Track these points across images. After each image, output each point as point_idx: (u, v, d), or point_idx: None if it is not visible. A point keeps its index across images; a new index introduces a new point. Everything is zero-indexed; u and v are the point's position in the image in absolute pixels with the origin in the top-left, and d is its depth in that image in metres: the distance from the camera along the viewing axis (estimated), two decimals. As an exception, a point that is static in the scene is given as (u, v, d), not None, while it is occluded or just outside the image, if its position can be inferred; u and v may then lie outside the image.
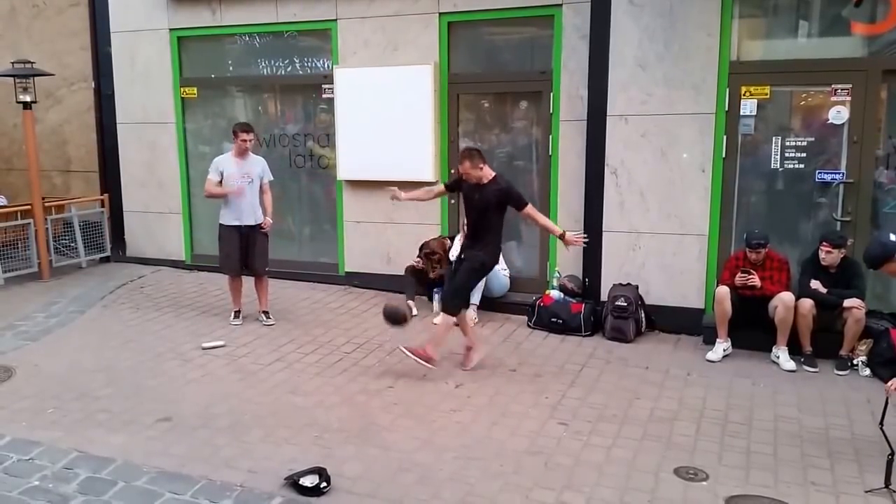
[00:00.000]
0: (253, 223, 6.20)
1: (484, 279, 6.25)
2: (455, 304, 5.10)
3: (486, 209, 4.98)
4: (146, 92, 8.10)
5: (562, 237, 4.99)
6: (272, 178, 6.42)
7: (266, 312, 6.37)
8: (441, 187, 5.46)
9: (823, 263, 5.24)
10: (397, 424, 4.31)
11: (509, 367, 5.29)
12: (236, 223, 6.14)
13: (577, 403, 4.62)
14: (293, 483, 3.55)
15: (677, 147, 5.86)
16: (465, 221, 5.35)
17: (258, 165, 6.26)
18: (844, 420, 4.39)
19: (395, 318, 5.15)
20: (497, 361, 5.38)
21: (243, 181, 6.11)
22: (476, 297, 6.28)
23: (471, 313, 6.24)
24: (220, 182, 6.10)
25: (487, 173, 4.98)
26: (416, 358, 5.00)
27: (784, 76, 5.74)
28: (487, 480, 3.66)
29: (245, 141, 6.09)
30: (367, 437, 4.14)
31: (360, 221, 7.38)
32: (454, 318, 5.11)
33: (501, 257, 6.60)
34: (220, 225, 6.20)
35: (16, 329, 6.12)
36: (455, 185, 5.29)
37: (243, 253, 6.19)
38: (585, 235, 5.20)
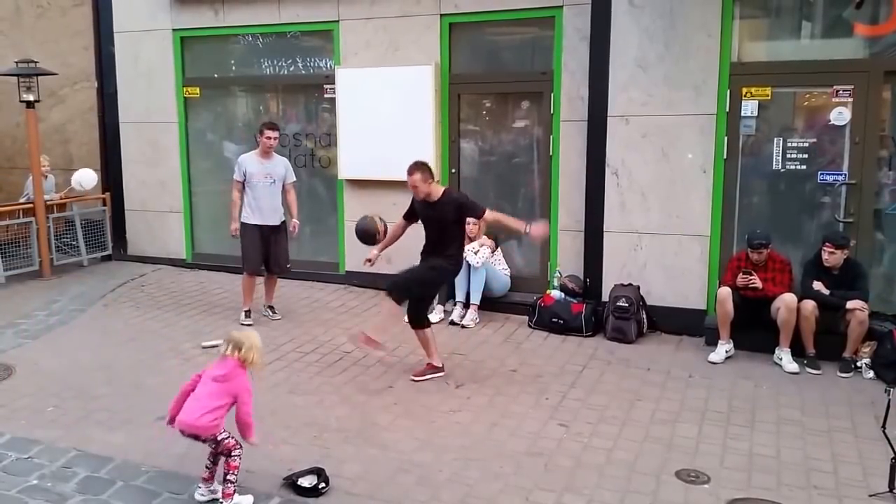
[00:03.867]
0: (274, 223, 6.23)
1: (482, 280, 6.28)
2: (399, 293, 4.79)
3: (444, 226, 4.82)
4: (149, 91, 8.11)
5: (526, 233, 4.77)
6: (295, 179, 6.43)
7: (272, 307, 6.43)
8: (402, 222, 5.09)
9: (826, 264, 5.22)
10: (397, 425, 4.29)
11: (510, 367, 5.27)
12: (256, 222, 6.16)
13: (577, 404, 4.60)
14: (292, 483, 3.54)
15: (678, 148, 5.84)
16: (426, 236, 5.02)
17: (281, 166, 6.28)
18: (847, 422, 4.36)
19: (367, 234, 4.95)
20: (497, 362, 5.36)
21: (265, 181, 6.13)
22: (476, 298, 6.26)
23: (471, 314, 6.25)
24: (244, 183, 6.11)
25: (436, 190, 4.84)
26: (421, 376, 4.91)
27: (785, 77, 5.72)
28: (487, 481, 3.64)
29: (270, 138, 6.10)
30: (366, 437, 4.12)
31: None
32: (399, 306, 4.86)
33: (502, 257, 6.62)
34: (242, 224, 6.21)
35: (16, 327, 6.12)
36: (411, 212, 5.03)
37: (265, 252, 6.22)
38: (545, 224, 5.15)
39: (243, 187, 6.16)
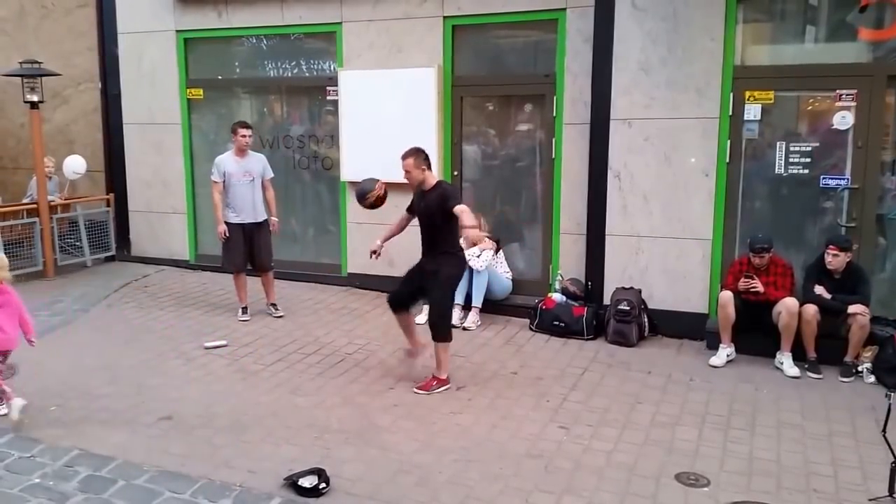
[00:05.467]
0: (255, 220, 6.30)
1: (484, 283, 6.28)
2: (446, 328, 4.79)
3: (431, 216, 4.69)
4: (152, 93, 8.14)
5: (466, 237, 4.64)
6: (273, 175, 6.51)
7: (274, 305, 6.51)
8: (405, 214, 5.03)
9: (829, 267, 5.21)
10: (397, 426, 4.30)
11: (510, 370, 5.27)
12: (238, 221, 6.23)
13: (578, 407, 4.60)
14: (292, 483, 3.55)
15: (680, 151, 5.84)
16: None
17: (259, 163, 6.37)
18: (848, 427, 4.36)
19: (362, 192, 4.87)
20: (498, 364, 5.37)
21: (245, 179, 6.22)
22: (478, 301, 6.27)
23: (472, 317, 6.25)
24: (223, 183, 6.21)
25: (430, 179, 4.75)
26: (427, 390, 4.78)
27: (788, 81, 5.72)
28: (487, 483, 3.65)
29: (245, 137, 6.19)
30: (367, 438, 4.14)
31: (363, 223, 7.37)
32: (450, 342, 4.82)
33: (504, 260, 6.62)
34: (226, 223, 6.27)
35: (19, 327, 6.15)
36: (411, 205, 4.93)
37: (247, 250, 6.30)
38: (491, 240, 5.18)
39: (223, 188, 6.22)
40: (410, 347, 5.13)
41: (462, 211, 4.47)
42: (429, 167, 4.80)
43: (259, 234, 6.33)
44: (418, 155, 4.74)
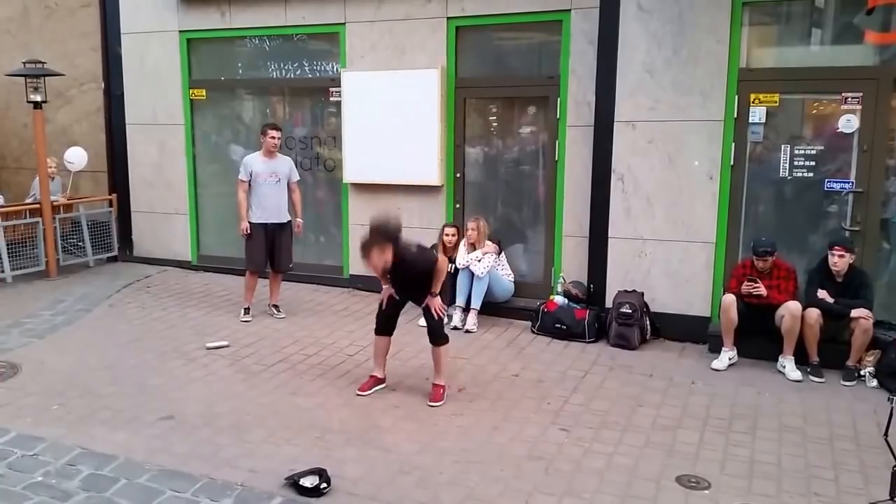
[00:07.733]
0: (279, 221, 6.34)
1: (484, 287, 6.26)
2: (443, 332, 4.73)
3: (422, 281, 4.52)
4: (155, 93, 8.16)
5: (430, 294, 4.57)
6: (298, 178, 6.57)
7: (276, 306, 6.53)
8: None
9: (834, 269, 5.19)
10: (398, 427, 4.30)
11: (512, 372, 5.27)
12: (263, 221, 6.27)
13: (579, 410, 4.59)
14: (293, 483, 3.55)
15: (685, 154, 5.83)
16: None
17: (285, 165, 6.42)
18: (850, 431, 4.35)
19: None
20: (499, 367, 5.37)
21: (271, 180, 6.26)
22: (476, 303, 6.25)
23: (472, 319, 6.24)
24: (249, 182, 6.24)
25: (389, 256, 4.37)
26: (442, 400, 4.65)
27: (794, 84, 5.71)
28: (487, 485, 3.65)
29: (274, 138, 6.24)
30: (367, 439, 4.14)
31: (366, 224, 7.35)
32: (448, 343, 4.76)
33: (506, 262, 6.61)
34: (248, 222, 6.31)
35: (22, 326, 6.16)
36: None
37: (269, 250, 6.34)
38: (447, 311, 4.72)
39: (249, 187, 6.25)
40: (377, 375, 4.87)
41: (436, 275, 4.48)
42: (388, 241, 4.38)
43: (281, 234, 6.36)
44: (376, 241, 4.36)
